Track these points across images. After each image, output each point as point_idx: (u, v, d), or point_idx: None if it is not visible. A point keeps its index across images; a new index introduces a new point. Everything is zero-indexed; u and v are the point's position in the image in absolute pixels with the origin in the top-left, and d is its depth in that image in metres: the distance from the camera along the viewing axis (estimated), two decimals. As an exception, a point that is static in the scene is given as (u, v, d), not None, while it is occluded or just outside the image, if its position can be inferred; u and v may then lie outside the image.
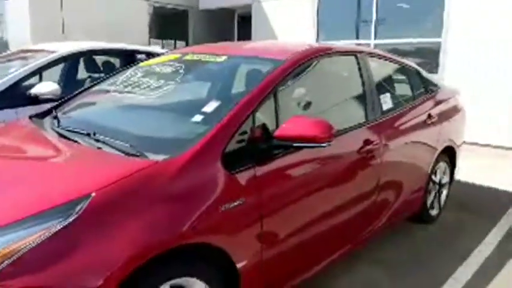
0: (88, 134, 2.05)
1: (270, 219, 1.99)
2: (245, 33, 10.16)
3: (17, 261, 1.35)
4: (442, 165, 3.71)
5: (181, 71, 2.57)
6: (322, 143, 1.98)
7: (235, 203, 1.84)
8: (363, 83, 2.83)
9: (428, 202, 3.58)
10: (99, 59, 4.99)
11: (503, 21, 6.12)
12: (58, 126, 2.30)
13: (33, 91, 3.71)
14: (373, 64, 3.03)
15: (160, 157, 1.76)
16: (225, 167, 1.84)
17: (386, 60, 3.34)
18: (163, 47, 9.47)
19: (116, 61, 5.14)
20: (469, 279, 2.81)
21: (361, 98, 2.81)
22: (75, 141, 2.03)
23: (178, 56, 2.84)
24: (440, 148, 3.53)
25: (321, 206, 2.36)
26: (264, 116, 2.07)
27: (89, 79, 4.84)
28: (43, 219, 1.43)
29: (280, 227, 2.10)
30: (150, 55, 4.86)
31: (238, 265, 1.87)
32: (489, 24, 6.25)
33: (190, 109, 2.18)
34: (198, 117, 2.05)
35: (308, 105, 2.49)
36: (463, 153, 4.12)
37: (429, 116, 3.39)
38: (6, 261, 1.34)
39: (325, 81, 2.81)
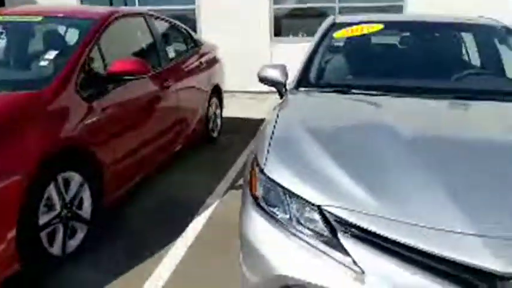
0: None
1: (113, 136, 2.81)
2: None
3: None
4: (214, 100, 5.02)
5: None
6: (144, 74, 2.88)
7: (94, 119, 2.59)
8: (153, 37, 3.79)
9: (209, 127, 4.86)
10: None
11: None
12: None
13: None
14: (157, 24, 4.00)
15: (32, 91, 2.37)
16: (81, 97, 2.56)
17: (165, 21, 4.33)
18: None
19: None
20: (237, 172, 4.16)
21: (154, 48, 3.78)
22: None
23: None
24: (211, 87, 4.81)
25: (139, 129, 3.24)
26: (94, 60, 2.80)
27: None
28: None
29: (118, 143, 2.90)
30: None
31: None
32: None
33: (34, 58, 2.72)
34: (44, 63, 2.64)
35: (120, 52, 3.29)
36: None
37: (200, 63, 4.59)
38: None
39: (129, 35, 3.63)
